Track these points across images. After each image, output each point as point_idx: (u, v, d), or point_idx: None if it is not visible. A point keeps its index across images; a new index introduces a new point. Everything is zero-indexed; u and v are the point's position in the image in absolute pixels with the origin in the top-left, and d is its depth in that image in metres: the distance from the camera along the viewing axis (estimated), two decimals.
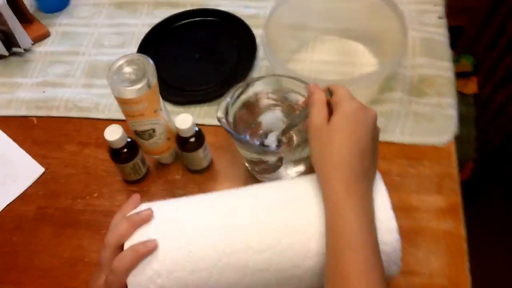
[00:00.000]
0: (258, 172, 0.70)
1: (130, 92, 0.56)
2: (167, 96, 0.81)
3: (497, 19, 1.30)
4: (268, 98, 0.68)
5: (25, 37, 0.86)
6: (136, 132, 0.64)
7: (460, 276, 0.61)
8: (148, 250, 0.49)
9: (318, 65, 0.83)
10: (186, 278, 0.50)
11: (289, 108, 0.68)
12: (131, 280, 0.49)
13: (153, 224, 0.52)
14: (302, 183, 0.54)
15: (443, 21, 0.86)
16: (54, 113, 0.84)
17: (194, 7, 0.93)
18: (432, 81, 0.77)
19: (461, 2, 1.24)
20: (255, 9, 0.93)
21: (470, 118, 1.36)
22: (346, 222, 0.47)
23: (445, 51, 0.81)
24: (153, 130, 0.63)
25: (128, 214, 0.54)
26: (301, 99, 0.66)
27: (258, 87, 0.68)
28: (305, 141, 0.57)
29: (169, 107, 0.81)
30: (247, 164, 0.72)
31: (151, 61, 0.58)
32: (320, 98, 0.53)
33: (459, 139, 0.72)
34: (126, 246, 0.51)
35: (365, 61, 0.82)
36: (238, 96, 0.66)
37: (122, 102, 0.58)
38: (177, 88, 0.83)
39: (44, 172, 0.78)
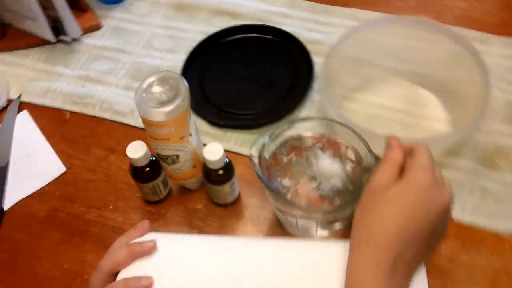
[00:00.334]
0: (286, 223, 0.64)
1: (157, 114, 0.52)
2: (205, 115, 0.77)
3: None
4: (314, 142, 0.62)
5: (75, 26, 0.85)
6: (158, 155, 0.60)
7: None
8: (141, 287, 0.46)
9: (378, 110, 0.76)
10: None
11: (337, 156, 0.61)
12: None
13: (154, 259, 0.49)
14: (329, 250, 0.48)
15: None
16: (89, 111, 0.82)
17: (254, 22, 0.88)
18: (509, 154, 0.68)
19: None
20: (320, 34, 0.86)
21: None
22: None
23: None
24: (177, 156, 0.59)
25: (131, 241, 0.50)
26: (349, 152, 0.59)
27: (303, 127, 0.62)
28: (352, 202, 0.50)
29: (205, 126, 0.77)
30: (276, 210, 0.66)
31: (185, 83, 0.54)
32: (395, 157, 0.47)
33: None
34: (120, 276, 0.49)
35: (435, 115, 0.74)
36: (278, 135, 0.60)
37: (147, 123, 0.54)
38: (218, 108, 0.79)
39: (65, 172, 0.76)
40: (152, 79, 0.54)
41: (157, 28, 0.91)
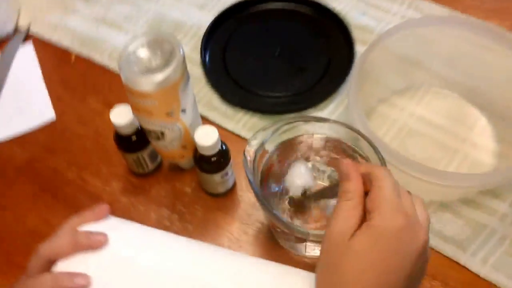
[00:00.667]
0: (277, 234, 0.57)
1: (140, 82, 0.45)
2: (219, 88, 0.70)
3: None
4: (318, 147, 0.53)
5: None
6: (141, 127, 0.53)
7: None
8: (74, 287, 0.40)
9: (414, 122, 0.66)
10: None
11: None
12: None
13: (99, 256, 0.43)
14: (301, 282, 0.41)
15: None
16: (96, 58, 0.76)
17: None
18: None
19: None
20: (373, 20, 0.76)
21: None
22: None
23: None
24: (162, 134, 0.51)
25: (80, 229, 0.44)
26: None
27: (319, 127, 0.53)
28: None
29: (216, 101, 0.70)
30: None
31: (182, 51, 0.46)
32: (356, 192, 0.38)
33: None
34: (57, 267, 0.43)
35: (481, 142, 0.64)
36: (286, 131, 0.52)
37: (128, 90, 0.47)
38: (235, 82, 0.71)
39: (54, 120, 0.70)
40: (143, 39, 0.46)
41: None
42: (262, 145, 0.52)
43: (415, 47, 0.66)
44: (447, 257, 0.56)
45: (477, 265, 0.55)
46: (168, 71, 0.45)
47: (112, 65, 0.75)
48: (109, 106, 0.68)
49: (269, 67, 0.72)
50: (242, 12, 0.77)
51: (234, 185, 0.63)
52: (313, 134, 0.53)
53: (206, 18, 0.77)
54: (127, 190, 0.64)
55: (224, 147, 0.56)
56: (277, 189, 0.53)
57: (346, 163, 0.40)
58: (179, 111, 0.50)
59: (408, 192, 0.39)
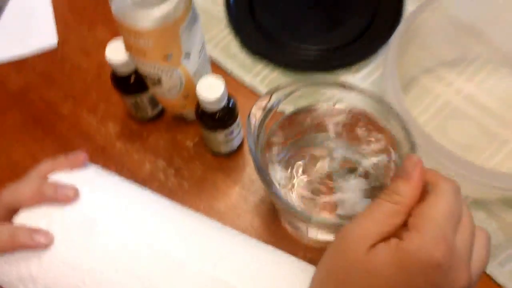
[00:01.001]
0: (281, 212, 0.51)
1: (132, 16, 0.38)
2: (240, 32, 0.62)
3: None
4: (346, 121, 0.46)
5: None
6: (137, 69, 0.47)
7: None
8: (33, 245, 0.37)
9: (461, 103, 0.58)
10: None
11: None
12: (1, 265, 0.38)
13: (65, 213, 0.39)
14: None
15: None
16: None
17: None
18: None
19: None
20: None
21: None
22: None
23: None
24: (158, 80, 0.45)
25: (50, 177, 0.40)
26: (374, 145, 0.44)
27: (345, 95, 0.46)
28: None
29: (234, 47, 0.63)
30: None
31: None
32: (406, 197, 0.31)
33: None
34: (17, 218, 0.39)
35: None
36: (302, 95, 0.45)
37: (119, 25, 0.40)
38: (261, 30, 0.63)
39: (56, 48, 0.65)
40: None
41: None
42: (273, 107, 0.45)
43: (477, 12, 0.56)
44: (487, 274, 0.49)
45: (505, 277, 0.49)
46: (166, 7, 0.38)
47: None
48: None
49: (302, 16, 0.64)
50: None
51: (241, 145, 0.57)
52: (335, 103, 0.46)
53: None
54: (124, 135, 0.59)
55: (231, 102, 0.49)
56: (282, 158, 0.46)
57: (415, 160, 0.32)
58: (180, 56, 0.43)
59: (473, 223, 0.31)
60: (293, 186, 0.46)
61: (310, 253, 0.50)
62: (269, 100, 0.44)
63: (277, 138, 0.46)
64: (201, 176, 0.56)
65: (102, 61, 0.62)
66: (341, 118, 0.45)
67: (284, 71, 0.61)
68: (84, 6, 0.68)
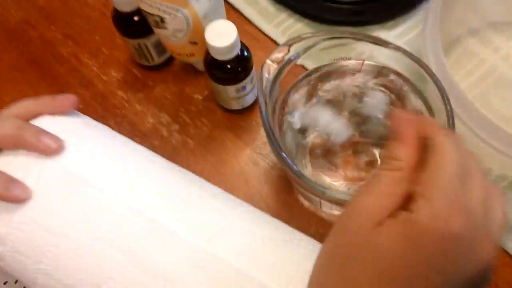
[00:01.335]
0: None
1: None
2: None
3: None
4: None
5: None
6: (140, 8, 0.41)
7: None
8: (8, 197, 0.33)
9: (511, 70, 0.51)
10: (29, 269, 0.31)
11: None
12: None
13: (43, 168, 0.34)
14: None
15: None
16: None
17: None
18: None
19: None
20: None
21: None
22: None
23: None
24: (162, 20, 0.40)
25: (34, 122, 0.35)
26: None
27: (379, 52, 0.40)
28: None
29: None
30: None
31: None
32: (403, 160, 0.26)
33: None
34: None
35: None
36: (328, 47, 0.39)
37: None
38: None
39: None
40: None
41: None
42: (292, 60, 0.39)
43: None
44: (505, 251, 0.44)
45: None
46: None
47: None
48: None
49: None
50: None
51: (255, 103, 0.51)
52: (364, 61, 0.40)
53: None
54: (127, 83, 0.54)
55: (246, 53, 0.44)
56: (299, 121, 0.41)
57: (400, 116, 0.28)
58: None
59: (482, 173, 0.26)
60: (309, 153, 0.41)
61: (323, 228, 0.46)
62: (288, 52, 0.39)
63: (294, 97, 0.41)
64: (208, 135, 0.51)
65: (107, 4, 0.58)
66: (371, 78, 0.39)
67: (310, 23, 0.55)
68: None
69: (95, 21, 0.57)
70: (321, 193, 0.35)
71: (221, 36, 0.40)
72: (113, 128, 0.49)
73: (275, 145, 0.35)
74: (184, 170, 0.38)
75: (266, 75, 0.37)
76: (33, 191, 0.33)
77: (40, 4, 0.59)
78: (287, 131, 0.41)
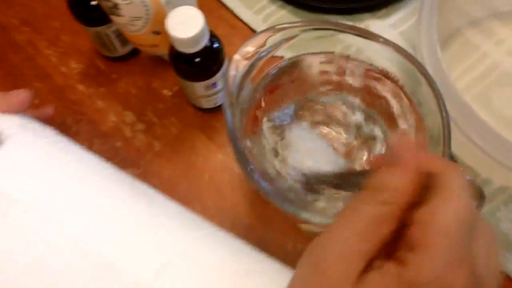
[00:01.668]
0: None
1: None
2: None
3: None
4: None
5: None
6: None
7: None
8: None
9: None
10: None
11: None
12: None
13: None
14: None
15: None
16: None
17: None
18: None
19: None
20: None
21: None
22: None
23: None
24: (116, 6, 0.34)
25: None
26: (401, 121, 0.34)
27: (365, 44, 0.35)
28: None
29: None
30: None
31: None
32: (396, 192, 0.21)
33: None
34: None
35: None
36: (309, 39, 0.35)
37: None
38: None
39: None
40: None
41: None
42: (266, 54, 0.34)
43: None
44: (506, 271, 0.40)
45: None
46: None
47: None
48: None
49: None
50: None
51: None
52: (349, 56, 0.35)
53: None
54: (88, 76, 0.49)
55: (216, 44, 0.39)
56: (273, 124, 0.36)
57: (402, 139, 0.23)
58: None
59: (491, 229, 0.21)
60: (286, 160, 0.36)
61: (302, 243, 0.41)
62: (264, 45, 0.34)
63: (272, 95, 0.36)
64: (177, 136, 0.46)
65: None
66: (357, 78, 0.35)
67: (294, 10, 0.50)
68: None
69: (55, 5, 0.52)
70: (297, 213, 0.30)
71: (185, 25, 0.35)
72: (71, 127, 0.44)
73: (241, 158, 0.30)
74: (136, 183, 0.33)
75: (233, 72, 0.32)
76: None
77: None
78: (265, 131, 0.36)
